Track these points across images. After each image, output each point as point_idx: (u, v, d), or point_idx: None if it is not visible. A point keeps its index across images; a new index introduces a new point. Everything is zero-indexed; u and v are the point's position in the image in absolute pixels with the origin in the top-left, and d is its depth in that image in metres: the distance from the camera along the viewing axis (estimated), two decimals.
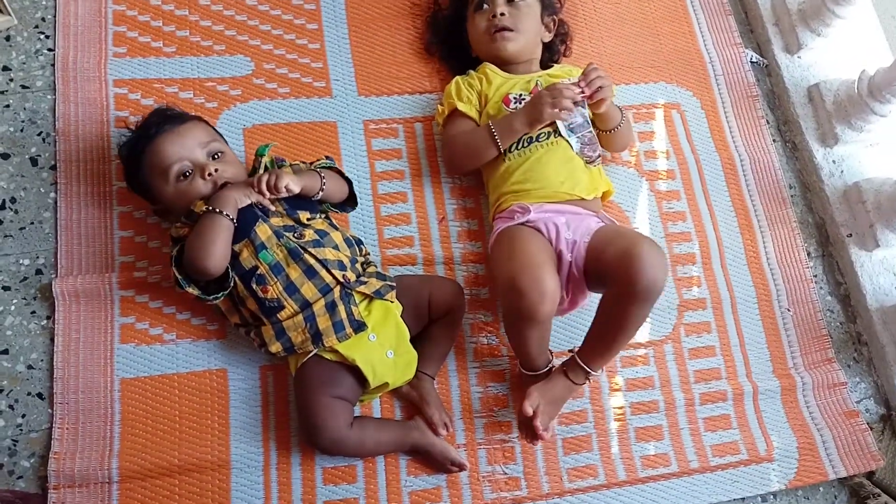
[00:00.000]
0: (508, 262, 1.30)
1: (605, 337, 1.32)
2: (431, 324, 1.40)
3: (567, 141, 1.46)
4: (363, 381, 1.28)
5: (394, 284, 1.35)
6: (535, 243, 1.35)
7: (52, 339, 1.35)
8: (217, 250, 1.23)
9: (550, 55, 1.66)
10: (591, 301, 1.44)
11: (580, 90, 1.41)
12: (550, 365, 1.39)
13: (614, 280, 1.28)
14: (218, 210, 1.23)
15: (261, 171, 1.34)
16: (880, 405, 1.63)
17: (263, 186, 1.25)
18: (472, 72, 1.60)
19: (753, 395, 1.54)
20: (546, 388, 1.34)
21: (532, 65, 1.60)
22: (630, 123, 1.63)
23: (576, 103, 1.42)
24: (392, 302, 1.33)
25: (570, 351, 1.39)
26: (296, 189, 1.27)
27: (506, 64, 1.58)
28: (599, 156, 1.48)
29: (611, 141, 1.57)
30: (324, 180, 1.34)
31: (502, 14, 1.54)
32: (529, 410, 1.31)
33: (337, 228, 1.38)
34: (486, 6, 1.57)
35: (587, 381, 1.37)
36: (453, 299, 1.40)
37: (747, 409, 1.53)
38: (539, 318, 1.25)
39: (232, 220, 1.24)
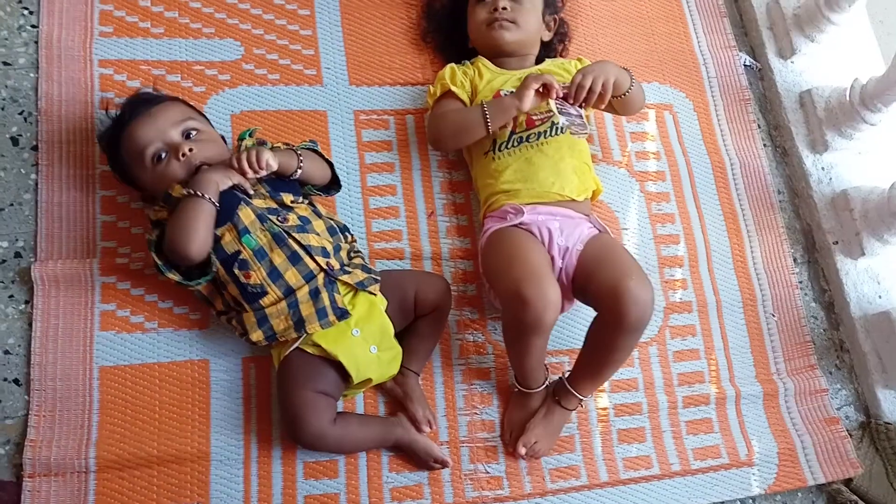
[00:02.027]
0: (510, 270, 1.29)
1: (595, 364, 1.35)
2: (417, 320, 1.38)
3: (557, 120, 1.43)
4: (346, 376, 1.26)
5: (378, 277, 1.33)
6: (534, 250, 1.34)
7: (31, 325, 1.32)
8: (199, 235, 1.20)
9: (547, 53, 1.64)
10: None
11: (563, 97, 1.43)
12: (546, 382, 1.39)
13: (602, 311, 1.30)
14: (199, 193, 1.20)
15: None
16: (860, 413, 1.65)
17: (244, 164, 1.23)
18: (466, 62, 1.58)
19: (736, 400, 1.55)
20: (545, 422, 1.39)
21: (526, 60, 1.58)
22: (641, 87, 1.55)
23: (565, 98, 1.43)
24: (375, 295, 1.31)
25: (560, 377, 1.40)
26: (275, 165, 1.25)
27: (501, 56, 1.56)
28: (587, 133, 1.47)
29: (623, 106, 1.52)
30: (301, 158, 1.32)
31: (504, 8, 1.52)
32: (523, 451, 1.36)
33: (320, 217, 1.35)
34: None
35: (579, 406, 1.40)
36: (440, 296, 1.38)
37: (729, 413, 1.54)
38: (543, 327, 1.25)
39: (214, 203, 1.21)
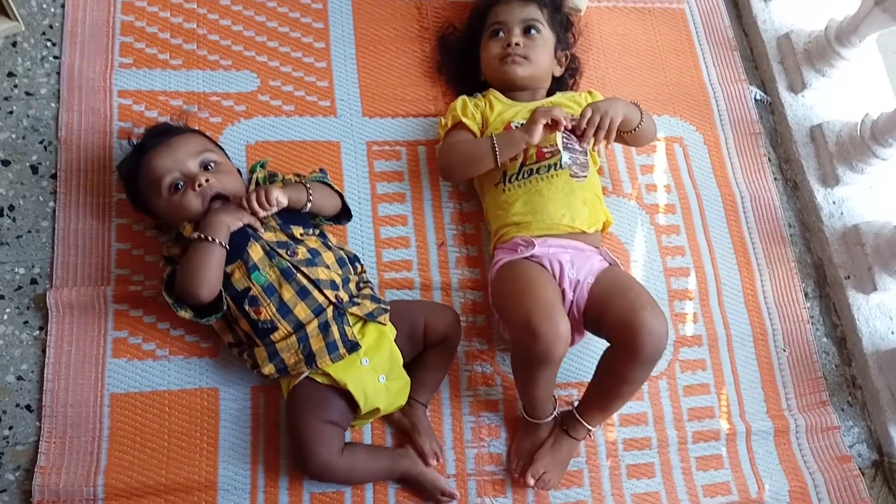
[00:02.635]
0: (520, 302, 1.29)
1: (605, 395, 1.34)
2: (426, 350, 1.38)
3: (560, 153, 1.43)
4: (355, 406, 1.27)
5: (387, 307, 1.34)
6: (544, 282, 1.34)
7: (44, 351, 1.34)
8: (210, 279, 1.22)
9: (558, 86, 1.66)
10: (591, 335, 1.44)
11: (572, 129, 1.43)
12: (555, 412, 1.39)
13: (617, 343, 1.29)
14: (210, 238, 1.22)
15: (252, 187, 1.34)
16: (873, 450, 1.62)
17: (255, 205, 1.24)
18: (478, 94, 1.60)
19: (746, 436, 1.53)
20: (553, 452, 1.38)
21: (537, 94, 1.60)
22: (652, 120, 1.57)
23: (573, 131, 1.43)
24: (385, 325, 1.32)
25: (569, 404, 1.39)
26: (284, 201, 1.27)
27: (513, 89, 1.58)
28: (586, 177, 1.47)
29: (633, 139, 1.54)
30: (310, 192, 1.33)
31: (517, 44, 1.54)
32: (532, 482, 1.35)
33: (330, 248, 1.36)
34: (501, 34, 1.57)
35: (588, 436, 1.39)
36: (449, 327, 1.38)
37: (740, 450, 1.52)
38: (552, 360, 1.25)
39: (224, 246, 1.23)
